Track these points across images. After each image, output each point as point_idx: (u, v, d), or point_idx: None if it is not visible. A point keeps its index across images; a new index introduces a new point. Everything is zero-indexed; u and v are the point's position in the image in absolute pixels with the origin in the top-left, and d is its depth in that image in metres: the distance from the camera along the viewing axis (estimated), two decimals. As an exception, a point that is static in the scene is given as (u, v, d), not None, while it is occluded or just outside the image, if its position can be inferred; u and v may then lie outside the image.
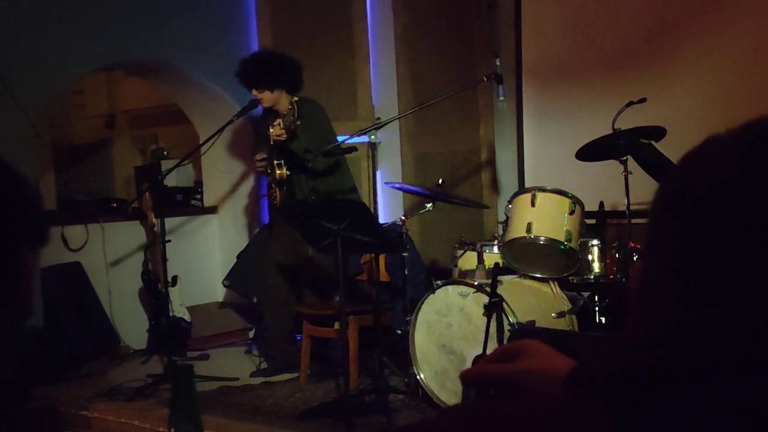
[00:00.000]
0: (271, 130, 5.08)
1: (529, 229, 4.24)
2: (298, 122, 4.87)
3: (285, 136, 4.96)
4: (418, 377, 4.34)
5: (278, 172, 5.15)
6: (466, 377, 0.91)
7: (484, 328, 3.82)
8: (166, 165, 6.35)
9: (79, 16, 5.73)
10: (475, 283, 4.19)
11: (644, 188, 4.25)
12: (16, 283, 0.95)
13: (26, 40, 5.47)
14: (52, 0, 5.62)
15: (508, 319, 3.96)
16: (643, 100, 4.31)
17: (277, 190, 5.20)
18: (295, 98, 5.09)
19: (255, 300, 6.04)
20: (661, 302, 0.76)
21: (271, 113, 5.29)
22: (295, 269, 5.32)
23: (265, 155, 5.25)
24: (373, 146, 4.64)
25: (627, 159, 4.20)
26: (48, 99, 5.80)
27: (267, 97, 5.17)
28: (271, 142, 5.13)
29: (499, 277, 3.94)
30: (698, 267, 0.74)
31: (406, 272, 4.70)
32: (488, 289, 3.93)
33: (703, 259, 0.74)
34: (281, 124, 5.01)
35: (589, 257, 4.36)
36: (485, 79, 4.93)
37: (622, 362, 0.72)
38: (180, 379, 1.16)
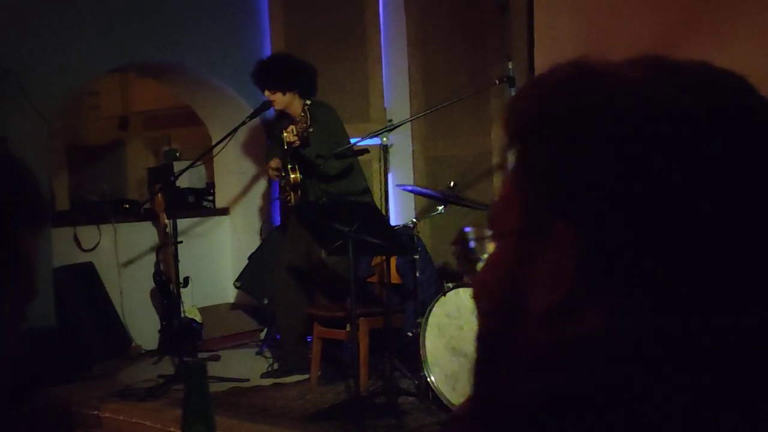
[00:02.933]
0: (285, 135, 5.09)
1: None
2: (311, 129, 4.88)
3: (298, 142, 4.98)
4: (428, 380, 4.34)
5: (292, 176, 5.16)
6: None
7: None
8: (178, 166, 6.36)
9: (93, 17, 5.76)
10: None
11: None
12: (16, 263, 0.96)
13: (41, 42, 5.51)
14: (67, 2, 5.65)
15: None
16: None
17: (292, 193, 5.22)
18: (308, 102, 5.10)
19: (266, 301, 6.05)
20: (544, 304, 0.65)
21: (284, 116, 5.30)
22: (307, 271, 5.33)
23: (279, 161, 5.27)
24: (385, 148, 4.65)
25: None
26: (62, 100, 5.83)
27: (279, 100, 5.18)
28: (285, 146, 5.14)
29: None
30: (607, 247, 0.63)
31: (417, 275, 4.70)
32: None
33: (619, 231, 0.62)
34: (294, 130, 5.02)
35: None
36: (497, 82, 4.94)
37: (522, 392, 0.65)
38: (193, 379, 1.17)
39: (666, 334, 0.61)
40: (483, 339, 0.70)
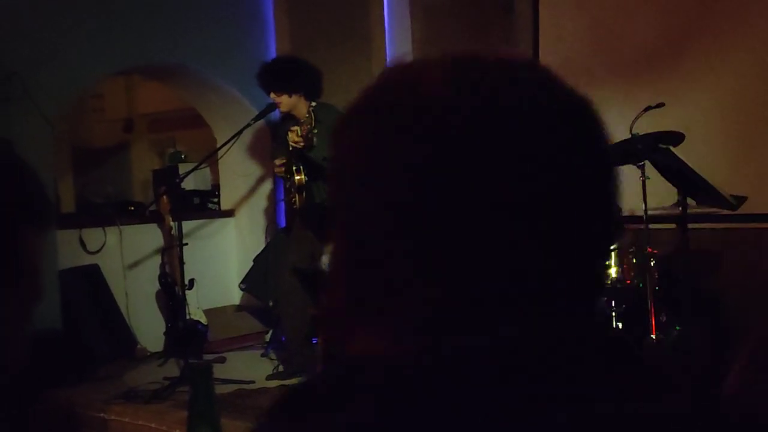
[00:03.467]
0: (289, 136, 5.08)
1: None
2: (316, 131, 4.87)
3: (302, 144, 4.97)
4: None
5: (297, 177, 5.16)
6: None
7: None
8: (183, 168, 6.37)
9: (98, 20, 5.77)
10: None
11: (662, 193, 4.25)
12: (19, 265, 0.95)
13: (46, 44, 5.51)
14: (71, 5, 5.65)
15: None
16: (661, 105, 4.30)
17: (296, 194, 5.21)
18: (313, 104, 5.09)
19: (271, 303, 6.05)
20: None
21: (290, 117, 5.30)
22: (312, 273, 5.33)
23: (284, 159, 5.27)
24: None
25: (644, 164, 4.18)
26: (67, 103, 5.84)
27: (285, 102, 5.18)
28: (290, 148, 5.14)
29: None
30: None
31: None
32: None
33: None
34: (298, 131, 5.01)
35: (606, 262, 4.34)
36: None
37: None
38: (198, 381, 1.17)
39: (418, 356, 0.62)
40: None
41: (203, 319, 6.15)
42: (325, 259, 4.56)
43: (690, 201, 4.10)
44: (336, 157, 0.70)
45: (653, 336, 4.04)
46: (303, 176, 5.16)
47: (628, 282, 4.30)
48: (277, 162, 5.32)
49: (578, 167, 0.65)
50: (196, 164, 5.72)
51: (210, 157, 5.80)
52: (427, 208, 0.62)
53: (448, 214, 0.61)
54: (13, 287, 0.95)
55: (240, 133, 5.39)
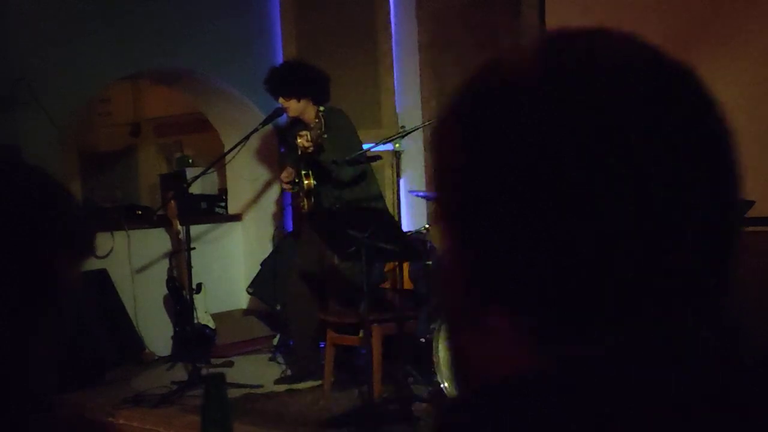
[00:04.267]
0: (298, 141, 5.09)
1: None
2: (325, 136, 4.87)
3: (312, 148, 4.97)
4: (442, 386, 4.33)
5: (306, 182, 5.17)
6: None
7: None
8: (191, 173, 6.39)
9: (105, 25, 5.79)
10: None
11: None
12: (54, 295, 0.95)
13: (54, 49, 5.53)
14: (80, 10, 5.67)
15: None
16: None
17: (305, 199, 5.22)
18: (321, 108, 5.10)
19: (279, 307, 6.06)
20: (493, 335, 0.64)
21: (297, 122, 5.30)
22: (320, 277, 5.33)
23: (291, 172, 5.27)
24: (397, 154, 4.65)
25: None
26: (75, 107, 5.86)
27: (293, 107, 5.19)
28: (299, 152, 5.15)
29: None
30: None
31: (429, 281, 4.70)
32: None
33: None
34: (308, 136, 5.01)
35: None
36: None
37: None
38: (212, 388, 1.18)
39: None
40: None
41: (211, 324, 6.16)
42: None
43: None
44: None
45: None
46: (312, 180, 5.17)
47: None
48: (284, 178, 5.34)
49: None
50: (203, 169, 5.73)
51: (217, 162, 5.82)
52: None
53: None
54: (45, 320, 0.95)
55: (247, 137, 5.40)
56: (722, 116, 0.65)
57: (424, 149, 6.30)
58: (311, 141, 4.95)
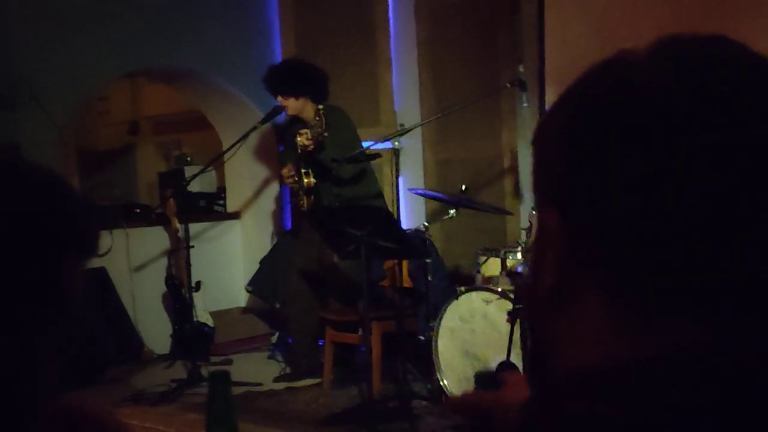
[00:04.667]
0: (299, 139, 5.09)
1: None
2: (326, 134, 4.86)
3: (312, 146, 4.97)
4: (441, 383, 4.34)
5: (305, 180, 5.17)
6: (455, 406, 0.90)
7: (508, 335, 3.82)
8: (189, 171, 6.39)
9: (104, 24, 5.79)
10: (499, 290, 4.19)
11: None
12: (62, 301, 0.94)
13: (53, 49, 5.53)
14: (79, 9, 5.67)
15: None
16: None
17: (305, 197, 5.22)
18: (321, 106, 5.10)
19: (278, 305, 6.06)
20: (589, 319, 0.63)
21: (296, 120, 5.30)
22: (319, 275, 5.34)
23: (291, 168, 5.27)
24: (396, 152, 4.65)
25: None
26: (75, 106, 5.85)
27: (292, 105, 5.19)
28: (299, 151, 5.15)
29: (523, 284, 3.94)
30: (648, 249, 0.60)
31: (429, 278, 4.71)
32: (512, 296, 3.94)
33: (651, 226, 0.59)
34: (308, 134, 5.01)
35: None
36: (509, 85, 4.94)
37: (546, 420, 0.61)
38: (216, 386, 1.18)
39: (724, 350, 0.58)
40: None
41: (210, 322, 6.16)
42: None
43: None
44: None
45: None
46: (311, 179, 5.17)
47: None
48: (285, 173, 5.34)
49: None
50: (202, 167, 5.73)
51: (216, 160, 5.82)
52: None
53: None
54: (52, 328, 0.94)
55: (246, 136, 5.41)
56: None
57: (423, 147, 6.31)
58: (311, 139, 4.94)
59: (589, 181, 0.61)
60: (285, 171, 5.37)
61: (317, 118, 4.94)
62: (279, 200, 6.81)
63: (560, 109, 0.68)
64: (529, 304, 0.69)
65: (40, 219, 0.92)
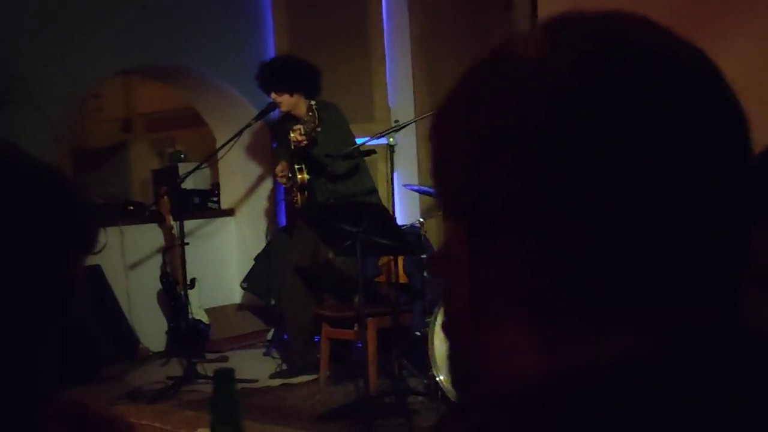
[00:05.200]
0: (292, 135, 5.09)
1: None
2: (319, 129, 4.88)
3: (306, 142, 4.98)
4: (437, 379, 4.35)
5: (299, 176, 5.17)
6: None
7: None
8: (183, 168, 6.39)
9: (98, 22, 5.78)
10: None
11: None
12: (63, 295, 0.94)
13: (47, 47, 5.52)
14: (72, 7, 5.66)
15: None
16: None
17: (298, 194, 5.23)
18: (313, 102, 5.11)
19: (272, 302, 6.06)
20: (511, 335, 0.60)
21: (289, 118, 5.31)
22: (315, 272, 5.34)
23: (285, 165, 5.28)
24: (391, 149, 4.66)
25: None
26: (69, 104, 5.85)
27: (286, 101, 5.20)
28: (292, 147, 5.15)
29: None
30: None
31: (424, 274, 4.71)
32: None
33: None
34: (302, 130, 5.02)
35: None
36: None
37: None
38: (221, 384, 1.18)
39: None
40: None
41: (205, 319, 6.17)
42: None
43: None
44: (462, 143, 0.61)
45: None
46: (305, 175, 5.18)
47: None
48: (278, 171, 5.35)
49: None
50: (196, 164, 5.73)
51: (210, 158, 5.82)
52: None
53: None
54: (53, 326, 0.93)
55: (240, 133, 5.41)
56: None
57: (417, 143, 6.31)
58: (304, 135, 4.95)
59: (511, 196, 0.57)
60: (278, 169, 5.38)
61: (310, 114, 4.95)
62: (273, 197, 6.81)
63: (463, 113, 0.63)
64: (447, 317, 0.66)
65: (39, 214, 0.91)
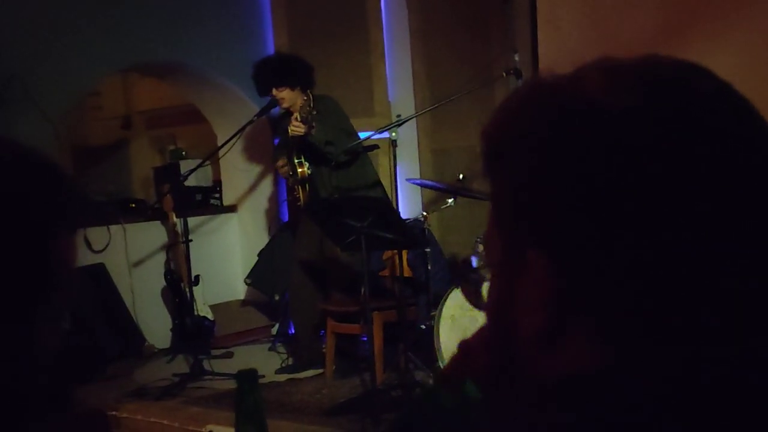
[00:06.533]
0: (290, 128, 5.11)
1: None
2: (314, 112, 4.91)
3: (303, 129, 4.99)
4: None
5: (299, 170, 5.19)
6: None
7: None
8: (184, 165, 6.39)
9: (97, 20, 5.78)
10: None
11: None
12: (56, 276, 0.92)
13: (46, 45, 5.52)
14: (70, 5, 5.66)
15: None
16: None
17: (300, 189, 5.24)
18: (310, 92, 5.17)
19: (277, 297, 6.08)
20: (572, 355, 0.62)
21: (289, 114, 5.32)
22: (321, 267, 5.36)
23: (286, 161, 5.30)
24: (393, 143, 4.67)
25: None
26: (68, 103, 5.85)
27: (287, 96, 5.21)
28: (291, 141, 5.17)
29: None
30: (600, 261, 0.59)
31: (428, 267, 4.73)
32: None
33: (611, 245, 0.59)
34: (297, 117, 5.05)
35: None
36: (504, 74, 4.96)
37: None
38: (244, 384, 1.20)
39: (659, 366, 0.58)
40: (488, 372, 0.70)
41: (209, 315, 6.18)
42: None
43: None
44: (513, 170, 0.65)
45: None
46: (306, 168, 5.19)
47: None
48: (279, 164, 5.38)
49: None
50: (198, 161, 5.74)
51: (213, 155, 5.83)
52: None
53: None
54: (47, 306, 0.92)
55: (243, 129, 5.42)
56: None
57: (418, 137, 6.32)
58: (301, 120, 4.98)
59: (590, 224, 0.60)
60: (279, 163, 5.41)
61: (305, 98, 5.00)
62: (275, 193, 6.83)
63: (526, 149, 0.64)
64: (498, 343, 0.68)
65: (21, 195, 0.89)
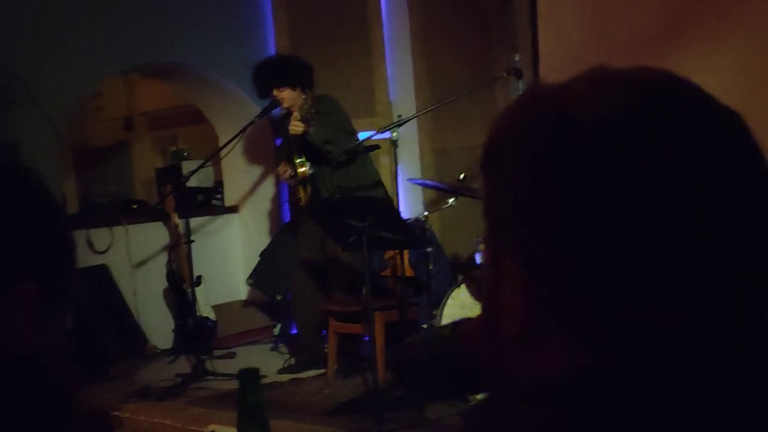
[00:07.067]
0: (290, 128, 5.13)
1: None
2: (313, 110, 4.94)
3: (303, 127, 5.00)
4: (445, 371, 4.37)
5: (300, 170, 5.20)
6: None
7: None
8: (186, 166, 6.40)
9: (99, 21, 5.79)
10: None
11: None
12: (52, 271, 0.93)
13: (48, 47, 5.53)
14: (72, 7, 5.67)
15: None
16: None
17: (301, 189, 5.25)
18: (310, 92, 5.19)
19: (279, 298, 6.09)
20: (539, 328, 0.63)
21: (290, 115, 5.33)
22: (322, 267, 5.37)
23: (286, 165, 5.33)
24: (394, 143, 4.68)
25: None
26: (70, 104, 5.86)
27: (289, 96, 5.22)
28: (292, 141, 5.18)
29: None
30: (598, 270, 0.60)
31: (430, 267, 4.74)
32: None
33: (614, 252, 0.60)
34: (297, 116, 5.07)
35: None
36: (505, 74, 4.97)
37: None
38: (246, 384, 1.21)
39: (658, 366, 0.59)
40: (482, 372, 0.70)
41: (211, 316, 6.19)
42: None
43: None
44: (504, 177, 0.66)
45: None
46: (306, 168, 5.21)
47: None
48: (280, 170, 5.41)
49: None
50: (200, 162, 5.75)
51: (215, 156, 5.84)
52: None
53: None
54: (54, 303, 0.93)
55: (244, 130, 5.43)
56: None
57: (419, 137, 6.33)
58: (301, 119, 4.99)
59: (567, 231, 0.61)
60: (279, 169, 5.44)
61: (304, 96, 5.03)
62: (276, 193, 6.84)
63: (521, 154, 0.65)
64: (485, 340, 0.68)
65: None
